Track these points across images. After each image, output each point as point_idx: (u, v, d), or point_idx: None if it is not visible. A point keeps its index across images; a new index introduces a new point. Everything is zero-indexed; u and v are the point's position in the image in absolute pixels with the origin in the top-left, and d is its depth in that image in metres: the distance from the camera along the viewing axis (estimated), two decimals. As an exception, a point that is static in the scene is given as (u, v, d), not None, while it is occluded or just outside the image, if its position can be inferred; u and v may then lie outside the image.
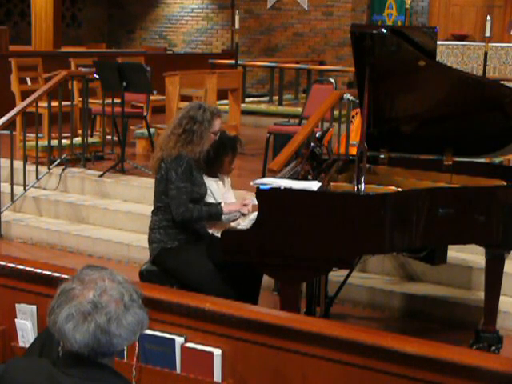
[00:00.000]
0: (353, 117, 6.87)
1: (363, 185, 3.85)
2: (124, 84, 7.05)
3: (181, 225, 4.20)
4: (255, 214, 3.90)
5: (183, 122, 4.25)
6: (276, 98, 11.89)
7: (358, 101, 5.06)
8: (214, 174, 4.52)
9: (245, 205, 4.26)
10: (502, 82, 5.22)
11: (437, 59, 4.29)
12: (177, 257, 4.20)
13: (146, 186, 6.69)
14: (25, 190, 7.07)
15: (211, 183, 4.47)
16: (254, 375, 2.58)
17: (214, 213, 4.20)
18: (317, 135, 4.67)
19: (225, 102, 9.81)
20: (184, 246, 4.22)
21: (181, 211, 4.13)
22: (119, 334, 1.94)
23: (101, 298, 1.93)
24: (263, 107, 11.41)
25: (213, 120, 4.28)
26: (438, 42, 4.80)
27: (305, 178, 4.18)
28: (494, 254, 4.35)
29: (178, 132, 4.22)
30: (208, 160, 4.37)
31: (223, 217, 4.27)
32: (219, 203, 4.29)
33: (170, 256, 4.21)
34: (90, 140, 7.96)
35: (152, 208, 4.39)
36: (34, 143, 7.31)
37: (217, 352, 2.59)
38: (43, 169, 7.33)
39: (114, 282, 1.98)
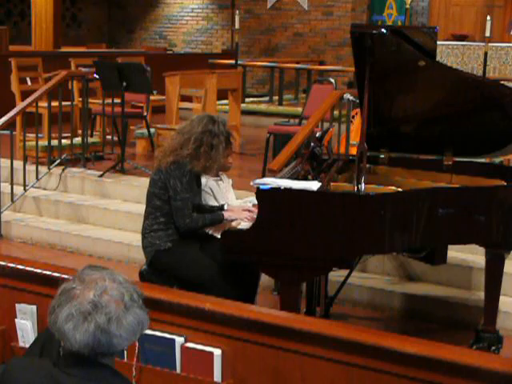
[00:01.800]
0: (353, 117, 6.86)
1: (363, 185, 3.85)
2: (124, 84, 7.04)
3: (174, 227, 4.22)
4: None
5: (204, 136, 4.24)
6: (276, 97, 11.89)
7: (358, 101, 5.06)
8: (214, 174, 4.52)
9: (248, 211, 4.23)
10: (502, 82, 5.22)
11: (437, 59, 4.29)
12: (173, 256, 4.21)
13: (145, 185, 6.59)
14: (25, 189, 7.07)
15: (212, 183, 4.47)
16: (254, 375, 2.58)
17: (217, 219, 4.23)
18: (317, 135, 4.67)
19: (225, 101, 9.80)
20: (178, 246, 4.23)
21: (186, 222, 4.16)
22: (119, 334, 1.94)
23: (101, 298, 1.93)
24: (263, 107, 11.41)
25: (225, 131, 4.31)
26: (438, 42, 4.79)
27: (305, 178, 4.18)
28: (494, 254, 4.35)
29: (203, 149, 4.22)
30: None
31: None
32: (221, 208, 4.29)
33: (166, 257, 4.22)
34: (90, 140, 7.96)
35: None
36: (34, 143, 7.31)
37: (217, 352, 2.59)
38: (43, 169, 7.33)
39: (114, 282, 1.98)
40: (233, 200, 4.59)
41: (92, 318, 1.91)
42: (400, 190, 4.01)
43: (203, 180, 4.39)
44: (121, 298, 1.96)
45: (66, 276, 2.70)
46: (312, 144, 4.42)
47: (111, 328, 1.92)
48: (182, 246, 4.23)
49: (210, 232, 4.35)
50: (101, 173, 7.16)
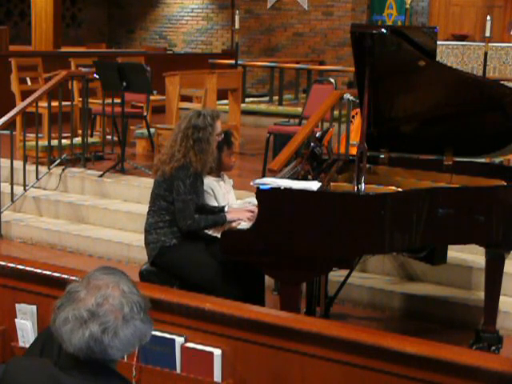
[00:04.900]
0: (353, 117, 6.86)
1: (363, 185, 3.85)
2: (124, 84, 7.04)
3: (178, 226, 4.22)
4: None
5: (189, 132, 4.26)
6: (276, 97, 11.89)
7: (358, 101, 5.06)
8: (216, 174, 4.53)
9: (249, 211, 4.23)
10: (502, 82, 5.22)
11: (437, 59, 4.29)
12: (178, 254, 4.21)
13: (145, 185, 6.68)
14: (25, 189, 7.07)
15: (213, 183, 4.47)
16: (254, 375, 2.58)
17: (219, 221, 4.23)
18: (317, 135, 4.67)
19: (225, 101, 9.80)
20: (183, 243, 4.23)
21: (188, 223, 4.17)
22: (114, 345, 1.90)
23: (100, 307, 1.89)
24: (263, 107, 11.41)
25: (214, 123, 4.31)
26: (438, 42, 4.80)
27: (305, 178, 4.18)
28: (494, 254, 4.35)
29: (190, 144, 4.23)
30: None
31: None
32: (223, 209, 4.28)
33: (171, 253, 4.22)
34: (90, 140, 7.96)
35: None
36: (34, 143, 7.31)
37: (217, 352, 2.59)
38: (43, 169, 7.33)
39: (117, 290, 1.93)
40: (233, 201, 4.59)
41: (87, 325, 1.88)
42: (400, 189, 4.01)
43: (205, 180, 4.39)
44: (120, 308, 1.91)
45: (65, 276, 2.70)
46: (312, 144, 4.42)
47: (104, 339, 1.88)
48: (187, 244, 4.24)
49: (210, 232, 4.35)
50: (101, 173, 7.16)
